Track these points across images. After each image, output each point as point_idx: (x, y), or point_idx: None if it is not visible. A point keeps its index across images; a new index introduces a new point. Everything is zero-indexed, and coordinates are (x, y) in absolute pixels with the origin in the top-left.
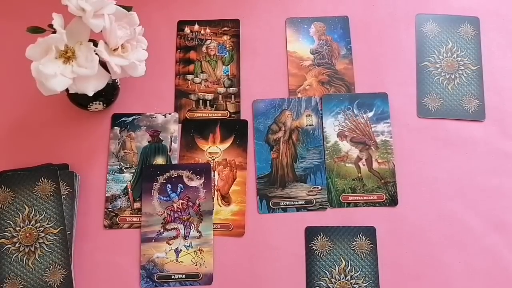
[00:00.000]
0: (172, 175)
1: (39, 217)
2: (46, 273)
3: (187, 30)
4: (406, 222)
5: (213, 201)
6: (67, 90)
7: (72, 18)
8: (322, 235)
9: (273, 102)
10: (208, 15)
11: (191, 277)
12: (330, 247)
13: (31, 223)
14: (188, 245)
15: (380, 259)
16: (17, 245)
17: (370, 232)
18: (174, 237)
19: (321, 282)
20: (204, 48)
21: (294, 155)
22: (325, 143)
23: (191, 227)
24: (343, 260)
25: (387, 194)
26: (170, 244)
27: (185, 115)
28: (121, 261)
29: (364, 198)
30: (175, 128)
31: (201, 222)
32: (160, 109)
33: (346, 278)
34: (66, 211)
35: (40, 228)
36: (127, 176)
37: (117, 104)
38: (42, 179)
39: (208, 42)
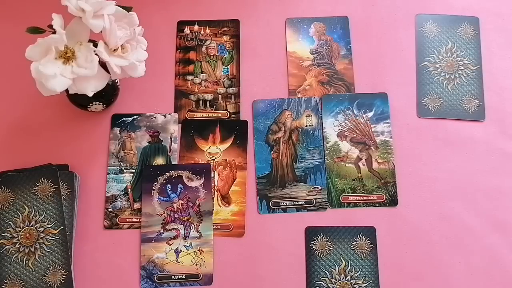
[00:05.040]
0: (172, 175)
1: (39, 217)
2: (46, 274)
3: (187, 30)
4: (406, 222)
5: (213, 202)
6: (67, 90)
7: (72, 19)
8: (322, 235)
9: (273, 102)
10: (208, 15)
11: (191, 277)
12: (330, 247)
13: (31, 224)
14: (188, 245)
15: (380, 259)
16: (17, 245)
17: (370, 232)
18: (174, 238)
19: (321, 282)
20: (204, 49)
21: (294, 155)
22: (325, 143)
23: (191, 228)
24: (343, 260)
25: (387, 194)
26: (170, 245)
27: (185, 116)
28: (121, 262)
29: (364, 198)
30: (175, 129)
31: (201, 223)
32: (160, 110)
33: (346, 278)
34: (66, 212)
35: (40, 229)
36: (127, 176)
37: (117, 104)
38: (42, 179)
39: (208, 42)
